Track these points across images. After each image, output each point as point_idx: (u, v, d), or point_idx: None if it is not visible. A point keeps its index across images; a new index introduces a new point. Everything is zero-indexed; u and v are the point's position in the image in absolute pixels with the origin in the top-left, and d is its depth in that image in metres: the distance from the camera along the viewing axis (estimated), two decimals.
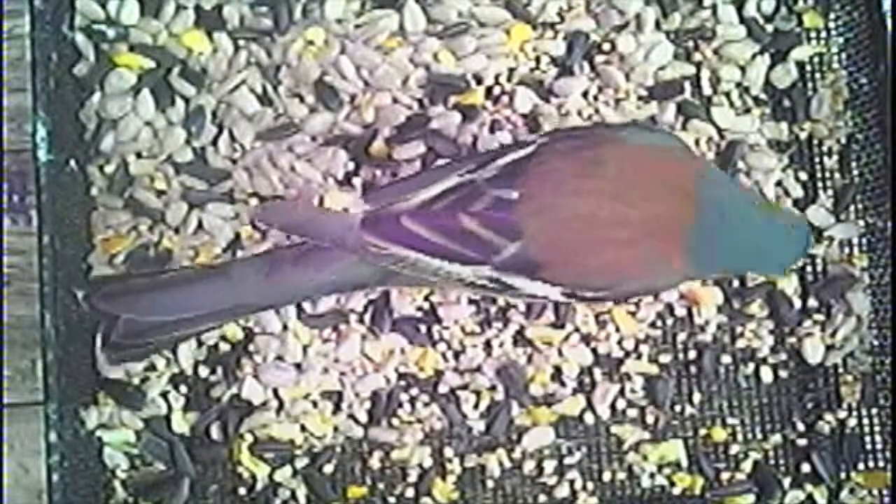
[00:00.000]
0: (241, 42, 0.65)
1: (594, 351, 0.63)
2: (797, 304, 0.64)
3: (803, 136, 0.65)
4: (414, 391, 0.63)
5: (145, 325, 0.55)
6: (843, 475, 0.63)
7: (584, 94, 0.64)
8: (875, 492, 0.62)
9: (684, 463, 0.63)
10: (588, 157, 0.53)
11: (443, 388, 0.62)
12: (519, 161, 0.53)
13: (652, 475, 0.63)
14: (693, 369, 0.64)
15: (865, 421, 0.63)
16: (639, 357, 0.63)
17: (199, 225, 0.63)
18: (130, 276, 0.58)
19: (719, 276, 0.61)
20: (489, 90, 0.64)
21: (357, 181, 0.63)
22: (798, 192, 0.65)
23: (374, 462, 0.63)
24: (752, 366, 0.64)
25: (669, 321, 0.64)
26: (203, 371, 0.63)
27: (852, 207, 0.65)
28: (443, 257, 0.52)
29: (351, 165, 0.63)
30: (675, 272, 0.53)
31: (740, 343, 0.64)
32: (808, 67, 0.66)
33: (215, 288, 0.55)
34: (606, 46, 0.65)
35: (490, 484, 0.63)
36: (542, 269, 0.52)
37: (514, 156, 0.54)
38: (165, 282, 0.55)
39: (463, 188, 0.53)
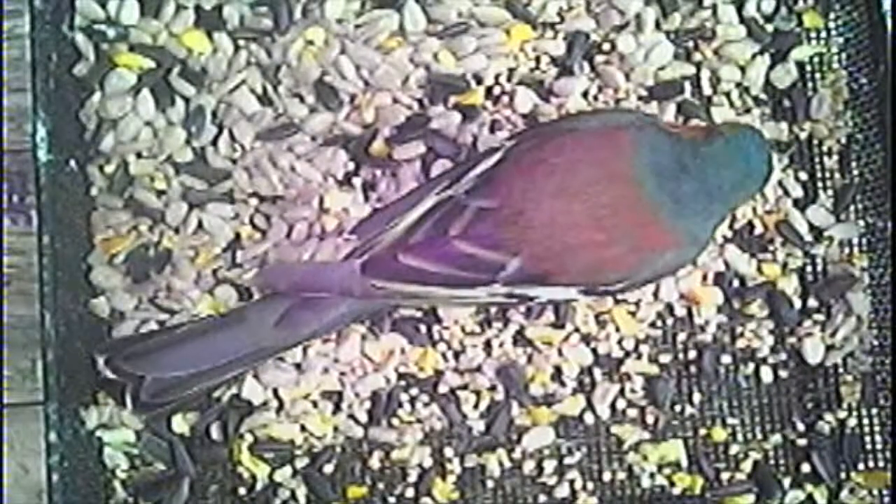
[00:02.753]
0: (241, 42, 0.65)
1: (594, 351, 0.63)
2: (797, 304, 0.64)
3: (803, 136, 0.65)
4: (414, 391, 0.63)
5: (172, 382, 0.56)
6: (843, 475, 0.63)
7: (584, 94, 0.64)
8: (875, 492, 0.62)
9: (684, 463, 0.63)
10: (543, 156, 0.52)
11: (443, 388, 0.62)
12: (491, 169, 0.53)
13: (652, 475, 0.63)
14: (693, 369, 0.64)
15: (865, 421, 0.63)
16: (639, 357, 0.63)
17: (199, 225, 0.63)
18: (149, 334, 0.58)
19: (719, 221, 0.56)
20: (489, 90, 0.64)
21: (357, 181, 0.63)
22: (798, 192, 0.65)
23: (374, 462, 0.63)
24: (752, 366, 0.64)
25: (669, 321, 0.64)
26: None
27: (852, 207, 0.65)
28: (450, 285, 0.53)
29: (351, 165, 0.63)
30: (672, 247, 0.52)
31: (740, 343, 0.64)
32: (808, 67, 0.66)
33: (234, 335, 0.55)
34: (606, 46, 0.65)
35: (490, 484, 0.63)
36: (551, 276, 0.52)
37: (486, 164, 0.54)
38: (185, 335, 0.56)
39: (443, 206, 0.53)
